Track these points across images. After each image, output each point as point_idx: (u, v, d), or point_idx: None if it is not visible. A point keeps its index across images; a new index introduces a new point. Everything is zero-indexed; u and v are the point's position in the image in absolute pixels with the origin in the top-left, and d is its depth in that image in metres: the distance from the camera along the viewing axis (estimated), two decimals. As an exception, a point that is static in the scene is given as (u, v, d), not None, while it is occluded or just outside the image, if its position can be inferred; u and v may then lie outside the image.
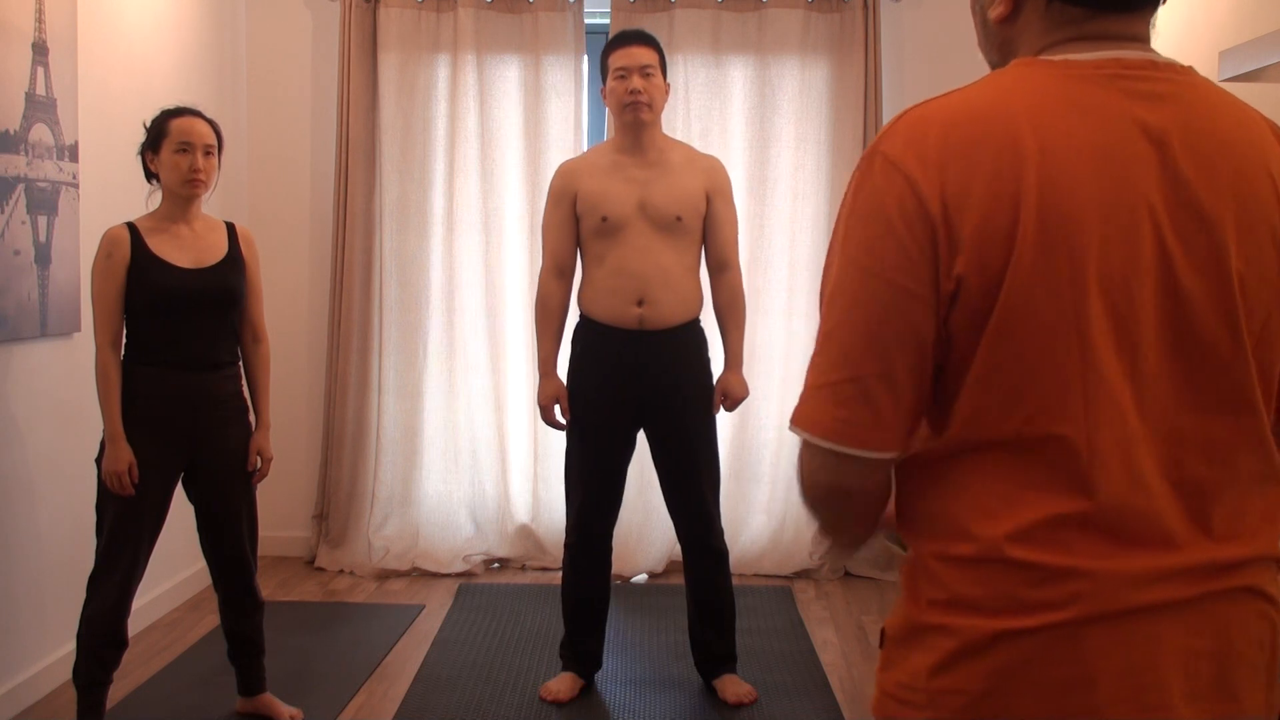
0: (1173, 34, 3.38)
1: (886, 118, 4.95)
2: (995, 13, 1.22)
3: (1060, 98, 1.13)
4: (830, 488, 1.19)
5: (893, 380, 1.12)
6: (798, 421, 1.18)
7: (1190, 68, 1.19)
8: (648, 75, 3.39)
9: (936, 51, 4.95)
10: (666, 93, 3.48)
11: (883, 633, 1.25)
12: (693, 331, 3.49)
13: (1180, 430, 1.13)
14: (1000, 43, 1.25)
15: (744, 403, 3.68)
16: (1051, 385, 1.10)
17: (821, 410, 1.15)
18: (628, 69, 3.38)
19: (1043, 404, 1.10)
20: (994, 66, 1.27)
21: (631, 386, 3.43)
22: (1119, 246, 1.10)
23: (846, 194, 1.18)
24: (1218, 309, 1.12)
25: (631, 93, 3.36)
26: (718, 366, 3.56)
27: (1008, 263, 1.08)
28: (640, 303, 3.39)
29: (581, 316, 3.52)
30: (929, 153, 1.11)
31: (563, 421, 3.52)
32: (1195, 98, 1.16)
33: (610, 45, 3.48)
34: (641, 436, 3.56)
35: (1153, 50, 1.18)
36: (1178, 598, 1.11)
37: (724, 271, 3.52)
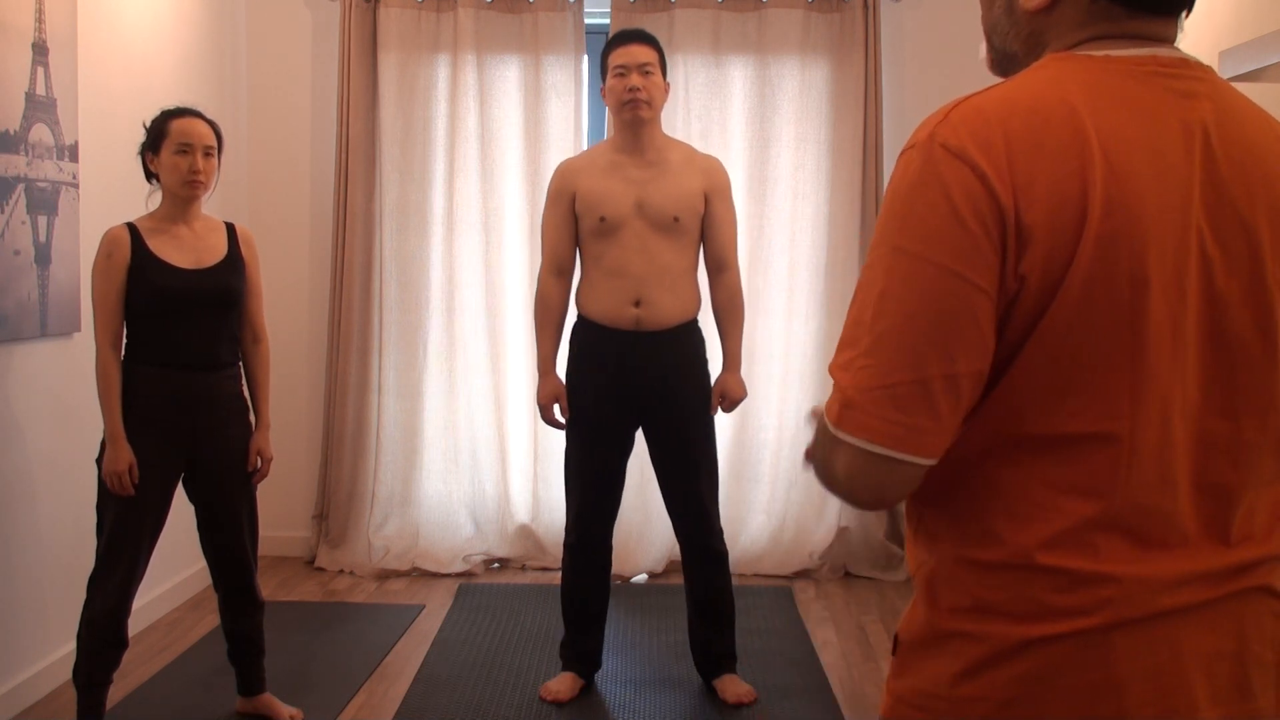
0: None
1: (887, 117, 4.95)
2: (1031, 3, 1.18)
3: (1109, 92, 1.11)
4: (876, 489, 1.13)
5: (955, 382, 1.07)
6: (848, 426, 1.10)
7: (1210, 68, 1.17)
8: (647, 73, 3.39)
9: (936, 51, 4.94)
10: (666, 92, 3.47)
11: (896, 638, 1.22)
12: (690, 332, 3.49)
13: (1210, 433, 1.12)
14: (1029, 33, 1.20)
15: (744, 403, 3.68)
16: (1100, 383, 1.08)
17: (878, 414, 1.08)
18: (627, 67, 3.38)
19: (1089, 401, 1.08)
20: (1010, 55, 1.23)
21: (629, 387, 3.43)
22: (1172, 246, 1.08)
23: (895, 187, 1.10)
24: (1252, 313, 1.11)
25: (630, 90, 3.36)
26: (715, 367, 3.56)
27: (1072, 258, 1.05)
28: (637, 303, 3.39)
29: (579, 316, 3.52)
30: (993, 143, 1.06)
31: (562, 420, 3.52)
32: (1223, 98, 1.15)
33: (610, 44, 3.48)
34: (641, 437, 3.57)
35: (1180, 50, 1.17)
36: (1198, 600, 1.10)
37: (722, 272, 3.52)
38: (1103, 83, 1.11)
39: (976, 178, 1.05)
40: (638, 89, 3.36)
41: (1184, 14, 1.18)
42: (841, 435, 1.10)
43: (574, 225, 3.47)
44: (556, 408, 3.51)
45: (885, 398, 1.08)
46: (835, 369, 1.13)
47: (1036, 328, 1.07)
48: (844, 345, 1.12)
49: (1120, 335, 1.07)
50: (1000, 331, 1.09)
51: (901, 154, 1.12)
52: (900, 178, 1.11)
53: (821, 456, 1.16)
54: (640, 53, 3.40)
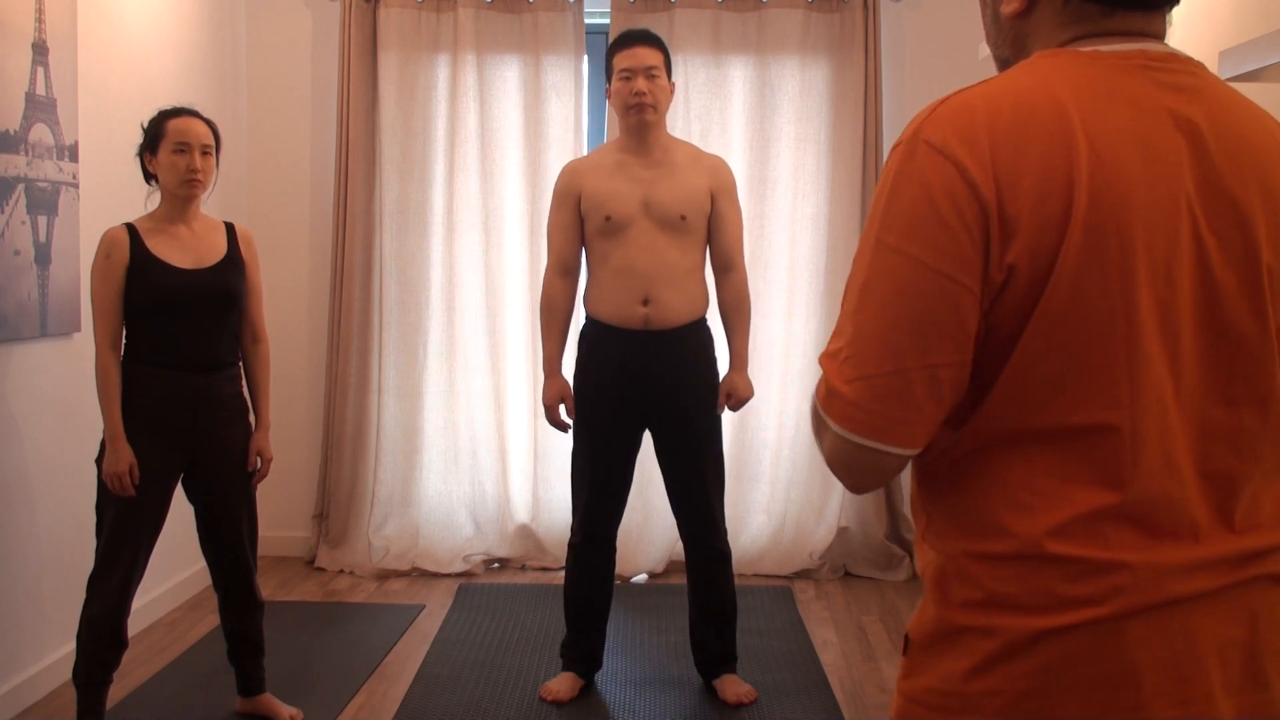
0: (1173, 33, 3.37)
1: (887, 118, 4.96)
2: (1008, 8, 1.20)
3: (1097, 85, 1.12)
4: (856, 473, 1.17)
5: (934, 375, 1.09)
6: (831, 413, 1.13)
7: (1201, 63, 1.19)
8: (653, 76, 3.38)
9: (936, 51, 4.95)
10: (671, 93, 3.47)
11: (906, 638, 1.22)
12: (698, 331, 3.49)
13: (1210, 421, 1.12)
14: (1013, 38, 1.23)
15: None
16: (1098, 373, 1.09)
17: (858, 405, 1.11)
18: (633, 70, 3.38)
19: (1088, 392, 1.09)
20: (1003, 61, 1.26)
21: (637, 386, 3.42)
22: (1162, 236, 1.09)
23: (883, 182, 1.13)
24: (1248, 301, 1.12)
25: (636, 94, 3.36)
26: (723, 366, 3.56)
27: (1059, 249, 1.06)
28: (645, 302, 3.38)
29: (587, 318, 3.51)
30: (978, 137, 1.08)
31: (567, 422, 3.52)
32: (1214, 92, 1.16)
33: (615, 45, 3.47)
34: (645, 436, 3.56)
35: (1169, 45, 1.18)
36: (1210, 588, 1.10)
37: (729, 271, 3.52)
38: (1090, 76, 1.13)
39: (958, 173, 1.08)
40: (644, 93, 3.35)
41: (1168, 7, 1.18)
42: (825, 420, 1.14)
43: (580, 226, 3.47)
44: (562, 408, 3.51)
45: (865, 389, 1.11)
46: (823, 358, 1.16)
47: (1031, 320, 1.08)
48: (834, 335, 1.16)
49: (1115, 325, 1.08)
50: (995, 326, 1.10)
51: (891, 149, 1.15)
52: (886, 172, 1.14)
53: (815, 428, 1.19)
54: (646, 55, 3.39)
